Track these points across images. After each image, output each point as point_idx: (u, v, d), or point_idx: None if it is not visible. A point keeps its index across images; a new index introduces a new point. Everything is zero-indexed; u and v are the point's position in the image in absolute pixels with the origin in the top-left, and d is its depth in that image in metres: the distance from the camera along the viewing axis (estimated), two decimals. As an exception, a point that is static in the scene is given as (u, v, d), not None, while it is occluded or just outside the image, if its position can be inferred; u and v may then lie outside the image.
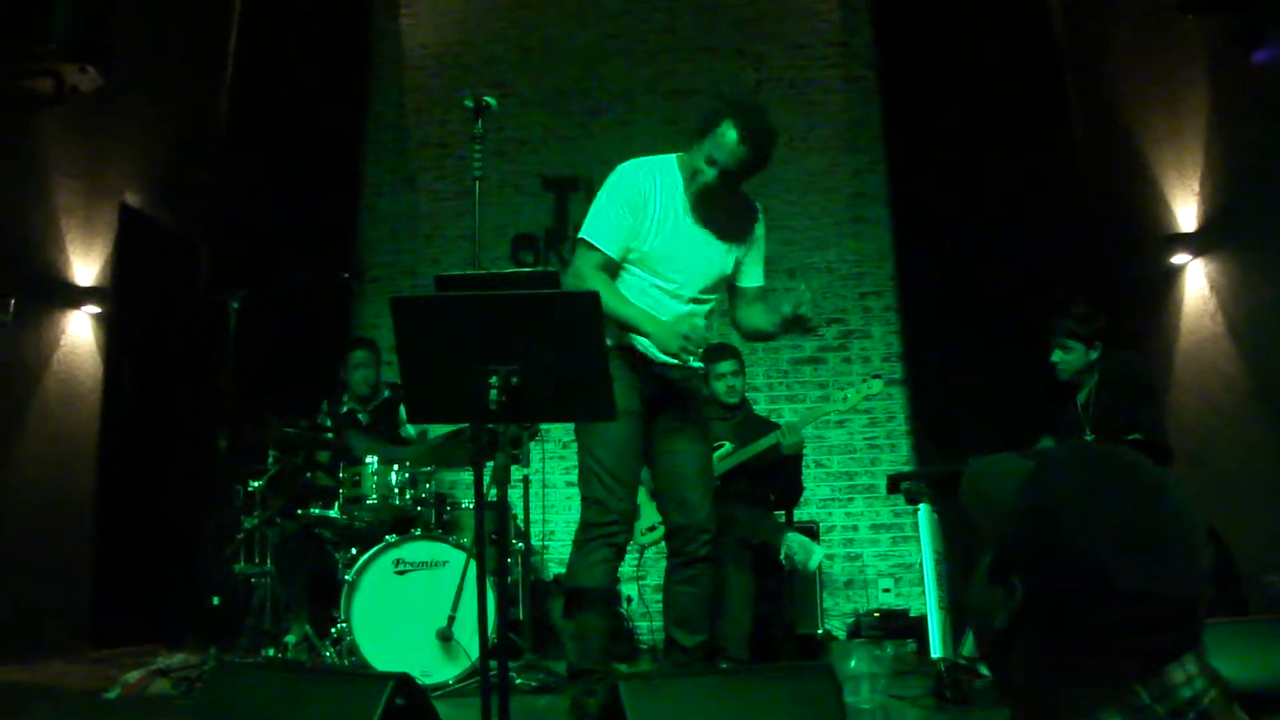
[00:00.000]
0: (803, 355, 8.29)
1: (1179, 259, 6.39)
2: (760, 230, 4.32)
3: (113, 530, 7.03)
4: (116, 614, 6.91)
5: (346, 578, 5.35)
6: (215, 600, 6.10)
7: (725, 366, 6.06)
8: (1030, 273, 7.47)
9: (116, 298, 7.17)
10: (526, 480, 6.11)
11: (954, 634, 4.84)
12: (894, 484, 5.41)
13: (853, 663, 4.66)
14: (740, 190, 4.23)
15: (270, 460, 6.10)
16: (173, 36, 7.94)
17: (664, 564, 7.44)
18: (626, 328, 3.89)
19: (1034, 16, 8.19)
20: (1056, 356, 5.36)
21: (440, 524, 5.84)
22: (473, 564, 5.21)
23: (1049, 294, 5.80)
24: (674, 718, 2.80)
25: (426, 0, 9.25)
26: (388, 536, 5.40)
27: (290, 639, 5.68)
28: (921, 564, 5.15)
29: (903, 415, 8.10)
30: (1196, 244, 6.27)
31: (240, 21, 8.97)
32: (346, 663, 5.24)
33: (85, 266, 6.96)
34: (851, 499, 7.99)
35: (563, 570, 4.88)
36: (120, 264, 7.26)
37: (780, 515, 5.97)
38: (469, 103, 3.93)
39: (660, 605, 7.49)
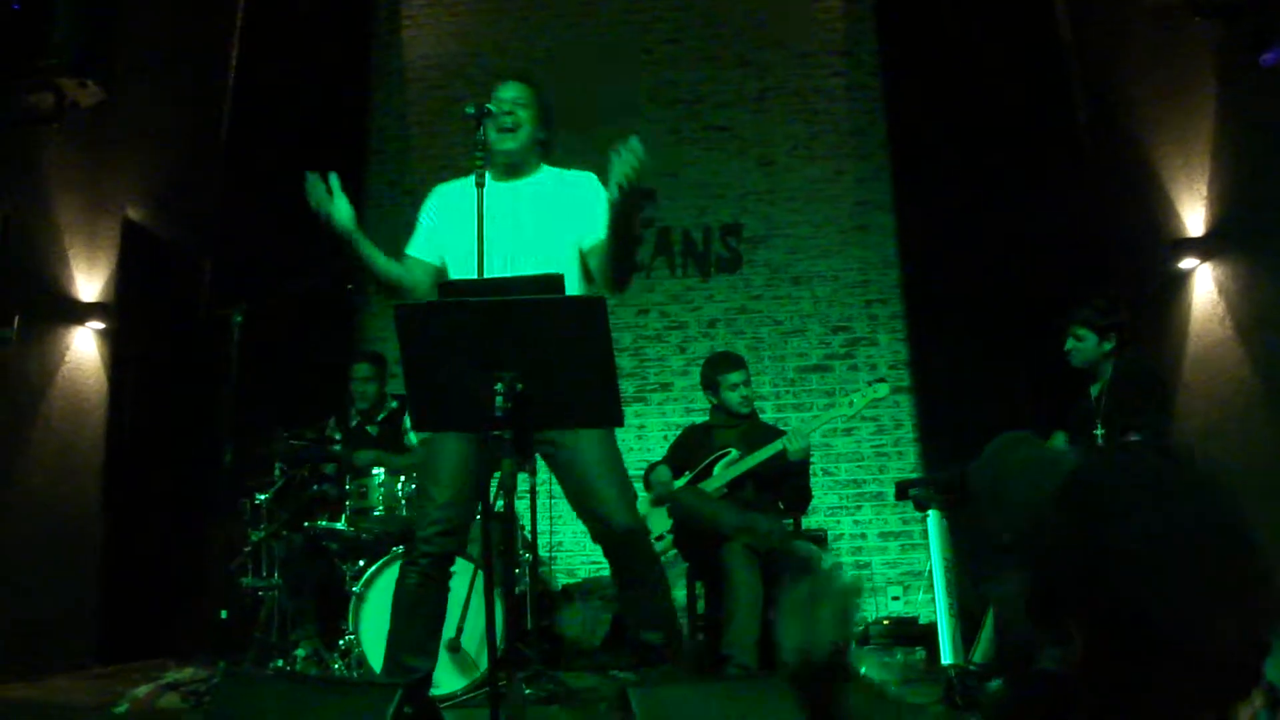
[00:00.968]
0: (809, 363, 8.28)
1: (1187, 263, 6.36)
2: None
3: (119, 545, 7.02)
4: (124, 629, 6.90)
5: (354, 590, 5.34)
6: (223, 614, 6.07)
7: (736, 377, 6.04)
8: (1037, 279, 7.45)
9: (120, 313, 7.17)
10: (534, 490, 6.08)
11: (964, 640, 4.82)
12: (902, 491, 5.40)
13: (863, 670, 4.64)
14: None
15: (276, 473, 6.09)
16: (174, 51, 7.94)
17: (671, 572, 7.48)
18: None
19: (1040, 22, 8.17)
20: (1069, 344, 5.35)
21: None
22: (480, 575, 5.20)
23: (1056, 299, 5.77)
24: (684, 724, 2.79)
25: (428, 12, 9.27)
26: (395, 548, 5.39)
27: (298, 651, 5.67)
28: (930, 571, 5.13)
29: (910, 422, 8.08)
30: (1205, 248, 6.24)
31: (241, 35, 8.98)
32: (355, 674, 5.23)
33: (88, 282, 6.96)
34: (860, 506, 7.97)
35: (571, 581, 4.86)
36: (123, 279, 7.26)
37: (789, 523, 5.94)
38: (470, 109, 3.90)
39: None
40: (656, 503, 6.08)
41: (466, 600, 5.15)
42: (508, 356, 2.88)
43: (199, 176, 8.41)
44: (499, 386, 2.85)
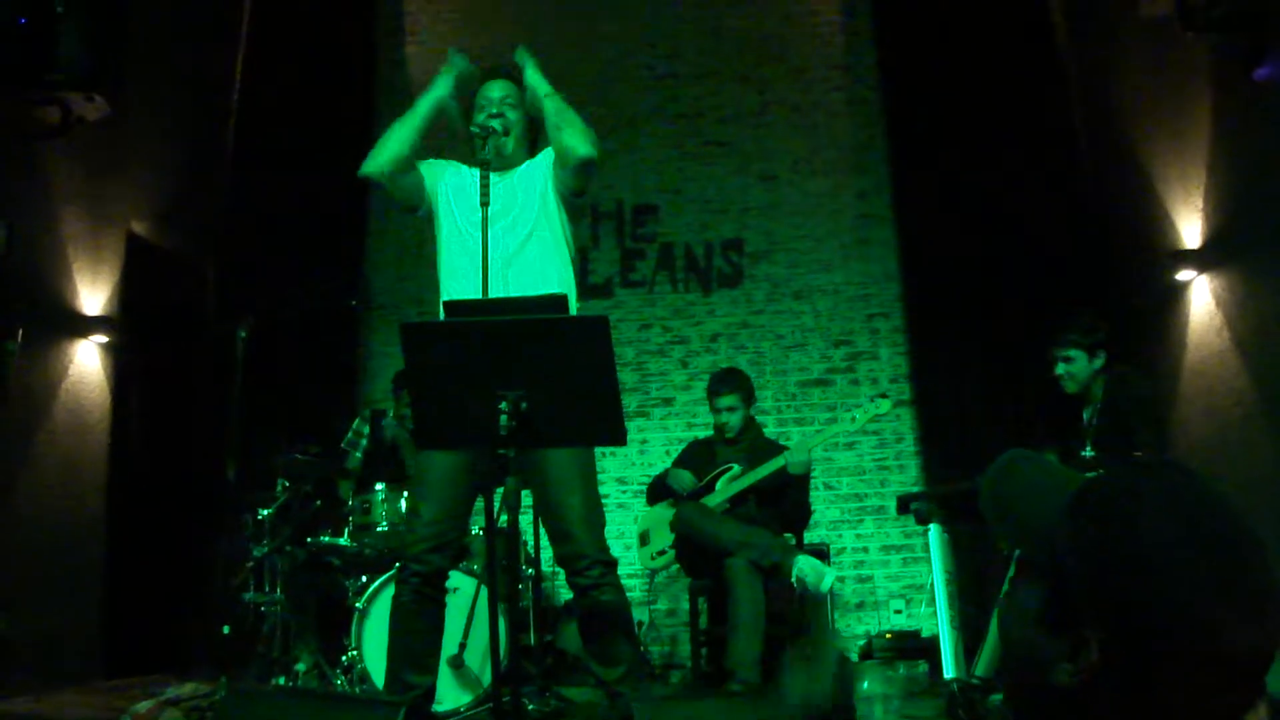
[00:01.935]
0: (810, 378, 8.30)
1: (1184, 275, 6.38)
2: None
3: (122, 559, 7.02)
4: (126, 643, 6.90)
5: (357, 605, 5.35)
6: (225, 629, 6.07)
7: (723, 402, 6.09)
8: (1037, 292, 7.48)
9: (124, 326, 7.17)
10: (536, 506, 6.10)
11: (966, 654, 4.83)
12: (904, 505, 5.41)
13: (865, 684, 4.64)
14: None
15: (279, 488, 6.10)
16: (179, 65, 7.96)
17: (674, 587, 7.50)
18: None
19: (1038, 36, 8.21)
20: (1060, 369, 5.38)
21: (450, 550, 5.83)
22: (484, 590, 5.21)
23: (1056, 313, 5.79)
24: (688, 741, 2.80)
25: (432, 29, 9.29)
26: (397, 563, 5.38)
27: (300, 667, 5.68)
28: (932, 585, 5.14)
29: (911, 436, 8.09)
30: (1201, 260, 6.26)
31: (246, 50, 9.00)
32: (357, 690, 5.23)
33: (92, 295, 6.97)
34: (861, 520, 7.97)
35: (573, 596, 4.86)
36: (127, 292, 7.27)
37: (791, 538, 5.95)
38: (475, 129, 3.94)
39: (670, 628, 7.55)
40: (676, 502, 6.08)
41: (470, 616, 5.16)
42: (512, 375, 2.89)
43: (204, 190, 8.43)
44: (503, 405, 2.86)
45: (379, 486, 5.76)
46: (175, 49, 7.83)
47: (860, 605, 7.79)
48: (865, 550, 7.93)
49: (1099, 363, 5.28)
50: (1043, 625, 1.17)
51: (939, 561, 4.98)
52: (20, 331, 6.02)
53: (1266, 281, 5.67)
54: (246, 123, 8.85)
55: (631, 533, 6.86)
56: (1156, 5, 5.90)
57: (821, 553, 6.43)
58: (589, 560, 3.81)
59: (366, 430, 6.62)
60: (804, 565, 5.31)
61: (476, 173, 3.96)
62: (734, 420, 6.08)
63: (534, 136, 4.32)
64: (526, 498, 4.40)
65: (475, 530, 6.02)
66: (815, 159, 8.73)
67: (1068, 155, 7.97)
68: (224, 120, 8.83)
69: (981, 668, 4.78)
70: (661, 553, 6.13)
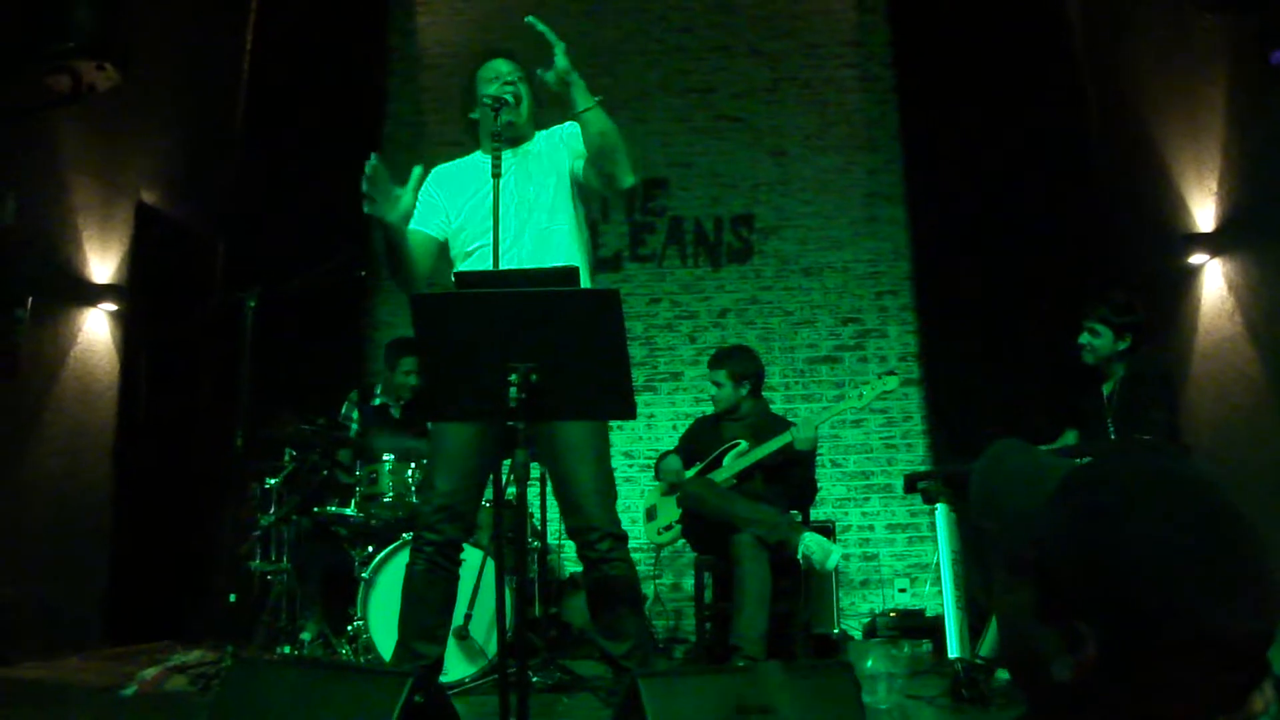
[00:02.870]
0: (819, 354, 8.29)
1: (1197, 259, 6.37)
2: None
3: (129, 527, 7.06)
4: (132, 611, 6.93)
5: (363, 575, 5.37)
6: (231, 597, 6.09)
7: (716, 375, 6.09)
8: (1047, 272, 7.47)
9: (133, 295, 7.19)
10: (544, 478, 6.10)
11: (971, 634, 4.83)
12: (911, 484, 5.39)
13: (869, 662, 4.65)
14: None
15: (286, 458, 6.11)
16: (190, 35, 7.96)
17: (679, 562, 7.51)
18: None
19: (1051, 15, 8.17)
20: (1084, 339, 5.33)
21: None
22: (489, 562, 5.22)
23: (1066, 293, 5.77)
24: (693, 715, 2.80)
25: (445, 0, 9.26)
26: (404, 534, 5.40)
27: (306, 636, 5.70)
28: (938, 564, 5.13)
29: (919, 415, 8.08)
30: (1214, 244, 6.25)
31: (257, 20, 8.99)
32: (362, 660, 5.25)
33: (102, 264, 6.97)
34: (868, 498, 7.98)
35: (579, 569, 4.86)
36: (137, 262, 7.29)
37: (797, 515, 5.96)
38: (487, 100, 3.91)
39: (675, 602, 7.56)
40: (668, 492, 6.10)
41: (475, 588, 5.17)
42: (522, 348, 2.88)
43: (214, 160, 8.43)
44: (513, 378, 2.86)
45: (386, 457, 5.77)
46: (187, 19, 7.83)
47: (865, 583, 7.80)
48: (871, 528, 7.93)
49: (1124, 344, 5.24)
50: (1035, 620, 1.17)
51: (945, 541, 4.97)
52: (30, 299, 6.03)
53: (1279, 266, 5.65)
54: (257, 93, 8.85)
55: (638, 507, 6.87)
56: (1173, -15, 5.86)
57: (827, 530, 6.44)
58: (600, 533, 3.80)
59: (355, 415, 6.61)
60: (810, 542, 5.31)
61: (478, 155, 3.94)
62: (720, 395, 6.08)
63: (539, 111, 4.28)
64: (534, 470, 4.39)
65: (482, 502, 6.04)
66: (826, 135, 8.70)
67: (1080, 136, 7.95)
68: (234, 90, 8.83)
69: (986, 647, 4.79)
70: (668, 528, 6.14)
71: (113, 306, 7.03)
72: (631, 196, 8.59)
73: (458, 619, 5.03)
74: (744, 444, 5.90)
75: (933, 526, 5.88)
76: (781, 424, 6.01)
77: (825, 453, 7.68)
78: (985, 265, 7.79)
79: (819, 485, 6.29)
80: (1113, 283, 5.98)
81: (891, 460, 8.01)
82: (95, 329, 6.94)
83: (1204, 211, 6.31)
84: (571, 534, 3.92)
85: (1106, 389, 5.37)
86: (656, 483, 6.31)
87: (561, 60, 3.83)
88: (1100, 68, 7.89)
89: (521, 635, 3.32)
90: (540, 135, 4.19)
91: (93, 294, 6.91)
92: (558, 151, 4.09)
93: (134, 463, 7.16)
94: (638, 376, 8.07)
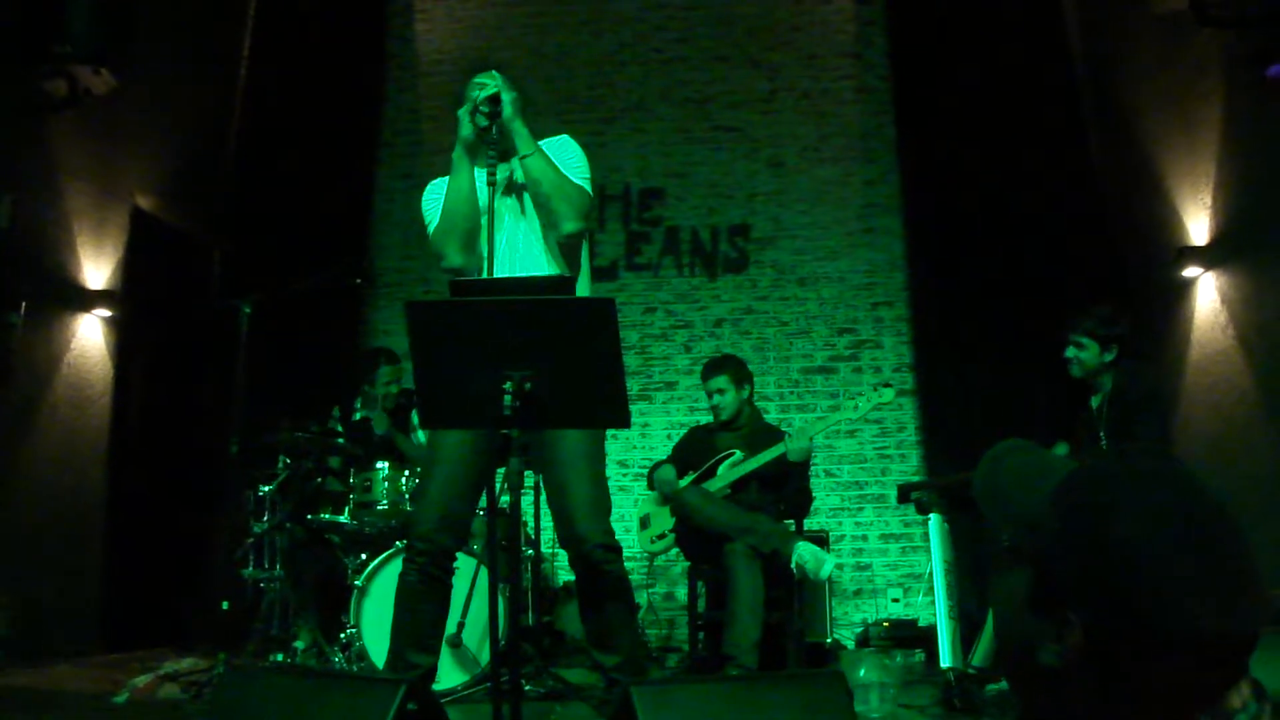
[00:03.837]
0: (814, 365, 8.30)
1: (1191, 272, 6.38)
2: None
3: (122, 534, 7.04)
4: (125, 618, 6.91)
5: (356, 583, 5.36)
6: (224, 605, 6.09)
7: (713, 384, 6.08)
8: (1042, 284, 7.47)
9: (127, 301, 7.18)
10: (537, 486, 6.10)
11: (963, 644, 4.83)
12: (904, 494, 5.40)
13: (862, 671, 4.65)
14: None
15: (280, 465, 6.10)
16: (186, 40, 7.95)
17: (672, 571, 7.51)
18: None
19: (1049, 28, 8.19)
20: (1070, 352, 5.36)
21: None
22: (483, 570, 5.21)
23: (1061, 305, 5.78)
24: (686, 725, 2.80)
25: (442, 7, 9.28)
26: (397, 542, 5.40)
27: (299, 644, 5.69)
28: (930, 574, 5.14)
29: (913, 425, 8.09)
30: (1208, 257, 6.26)
31: (254, 25, 8.99)
32: (355, 668, 5.24)
33: (96, 270, 6.97)
34: (861, 508, 7.98)
35: (572, 577, 4.86)
36: (131, 267, 7.28)
37: (791, 524, 5.96)
38: (484, 108, 3.91)
39: (668, 612, 7.56)
40: (661, 501, 6.10)
41: (468, 596, 5.17)
42: (517, 356, 2.89)
43: (210, 166, 8.43)
44: (508, 385, 2.86)
45: (380, 465, 5.76)
46: (183, 24, 7.82)
47: (858, 593, 7.80)
48: (864, 538, 7.94)
49: (1110, 356, 5.27)
50: (1029, 607, 1.21)
51: (938, 551, 4.98)
52: (24, 304, 6.02)
53: (1273, 280, 5.67)
54: (254, 99, 8.85)
55: (632, 516, 6.86)
56: (1170, 1, 5.87)
57: (821, 540, 6.44)
58: (593, 544, 3.79)
59: (340, 428, 6.60)
60: (804, 552, 5.31)
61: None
62: (725, 401, 6.07)
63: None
64: (528, 478, 4.39)
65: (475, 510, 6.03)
66: (823, 146, 8.72)
67: (1077, 148, 7.95)
68: (231, 96, 8.83)
69: (978, 658, 4.79)
70: (661, 536, 6.13)
71: (107, 312, 7.03)
72: (628, 204, 8.62)
73: (451, 627, 5.03)
74: (738, 454, 5.90)
75: (926, 537, 5.87)
76: (776, 434, 6.02)
77: (819, 462, 7.68)
78: (980, 277, 7.80)
79: (813, 495, 6.28)
80: (1096, 295, 5.99)
81: (885, 470, 8.01)
82: (89, 335, 6.94)
83: (1198, 225, 6.32)
84: (564, 543, 3.90)
85: (1095, 401, 5.39)
86: (650, 492, 6.30)
87: (507, 109, 3.82)
88: (1097, 81, 7.91)
89: (514, 644, 3.30)
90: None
91: (87, 300, 6.90)
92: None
93: (127, 470, 7.15)
94: (632, 386, 8.08)
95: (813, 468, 6.37)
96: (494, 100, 3.86)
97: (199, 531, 7.49)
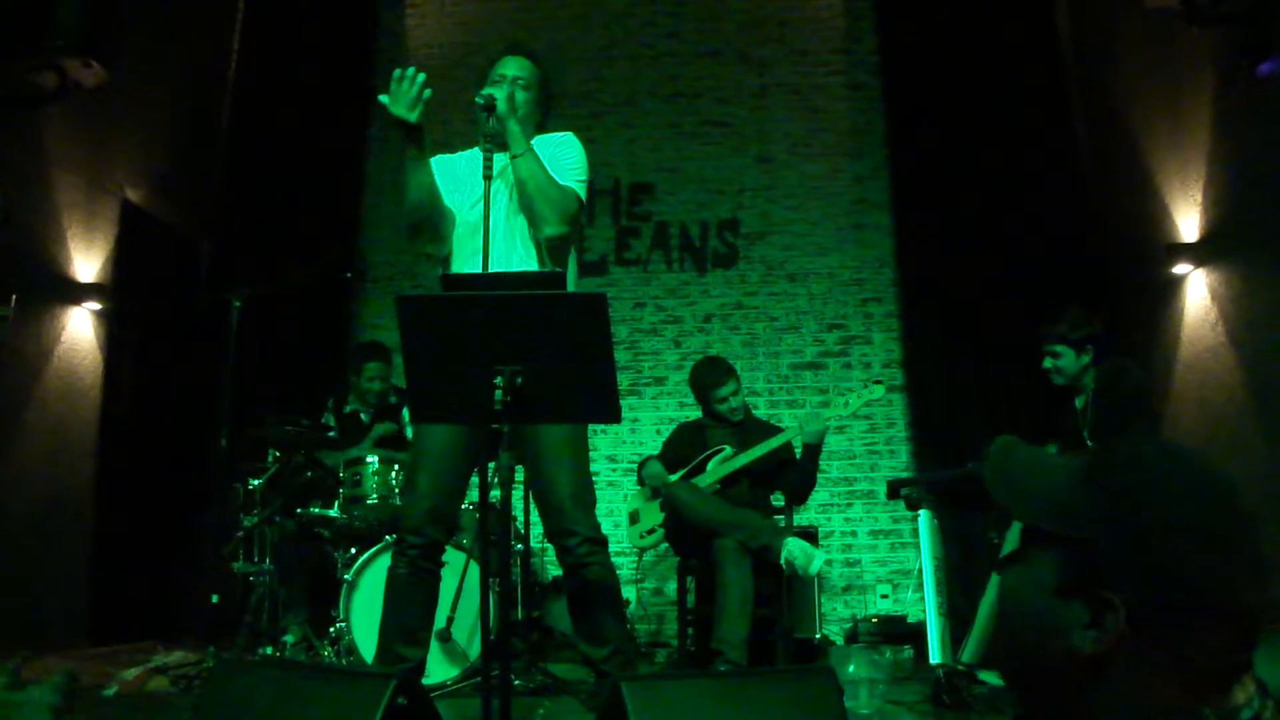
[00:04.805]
0: (803, 360, 8.30)
1: (1181, 269, 6.39)
2: None
3: (111, 527, 7.03)
4: (114, 611, 6.91)
5: (346, 577, 5.35)
6: (214, 598, 6.09)
7: (725, 390, 6.05)
8: (1032, 280, 7.48)
9: (117, 294, 7.18)
10: (528, 481, 6.10)
11: (952, 640, 4.85)
12: (894, 490, 5.42)
13: (851, 668, 4.65)
14: None
15: (270, 459, 6.09)
16: (177, 33, 7.94)
17: (662, 566, 7.51)
18: None
19: (1039, 25, 8.20)
20: (1048, 363, 5.39)
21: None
22: (472, 565, 5.21)
23: (1050, 302, 5.79)
24: (676, 719, 2.80)
25: (433, 1, 9.26)
26: (387, 536, 5.40)
27: (288, 638, 5.69)
28: (920, 570, 5.15)
29: (902, 421, 8.10)
30: (1198, 254, 6.27)
31: (244, 19, 8.98)
32: (344, 662, 5.24)
33: (86, 263, 6.96)
34: (850, 504, 7.99)
35: (561, 572, 4.86)
36: (121, 260, 7.27)
37: (781, 520, 5.96)
38: (479, 100, 3.89)
39: (657, 607, 7.57)
40: (651, 496, 6.10)
41: (458, 590, 5.17)
42: (508, 350, 2.89)
43: (200, 159, 8.42)
44: (498, 380, 2.86)
45: (370, 459, 5.76)
46: (173, 17, 7.81)
47: (847, 589, 7.81)
48: (854, 534, 7.95)
49: (1087, 357, 5.29)
50: (1059, 593, 1.21)
51: (928, 547, 5.00)
52: (13, 297, 6.00)
53: (1262, 277, 5.68)
54: (243, 92, 8.84)
55: (621, 511, 6.87)
56: (1161, -2, 5.88)
57: (810, 535, 6.44)
58: (578, 537, 3.79)
59: (333, 422, 6.59)
60: (793, 547, 5.32)
61: (477, 151, 3.92)
62: (737, 401, 6.07)
63: (542, 117, 4.25)
64: (518, 473, 4.38)
65: (465, 505, 6.03)
66: (813, 142, 8.72)
67: (1066, 145, 7.97)
68: (221, 90, 8.82)
69: (968, 654, 4.81)
70: (651, 531, 6.13)
71: (97, 305, 7.02)
72: (617, 199, 8.62)
73: (440, 621, 5.03)
74: (728, 449, 5.91)
75: (915, 533, 5.89)
76: (768, 429, 6.03)
77: (810, 457, 7.70)
78: (970, 273, 7.81)
79: (816, 481, 6.26)
80: (1079, 294, 6.02)
81: (874, 466, 8.02)
82: (79, 327, 6.93)
83: (1188, 221, 6.34)
84: (550, 536, 3.92)
85: (1080, 402, 5.41)
86: (640, 487, 6.30)
87: (501, 106, 3.83)
88: (1087, 78, 7.92)
89: (504, 638, 3.31)
90: (537, 141, 4.14)
91: (77, 292, 6.89)
92: (545, 160, 4.05)
93: (117, 463, 7.14)
94: (622, 380, 8.07)
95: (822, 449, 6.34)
96: (492, 100, 3.86)
97: (188, 525, 7.48)
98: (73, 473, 6.89)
